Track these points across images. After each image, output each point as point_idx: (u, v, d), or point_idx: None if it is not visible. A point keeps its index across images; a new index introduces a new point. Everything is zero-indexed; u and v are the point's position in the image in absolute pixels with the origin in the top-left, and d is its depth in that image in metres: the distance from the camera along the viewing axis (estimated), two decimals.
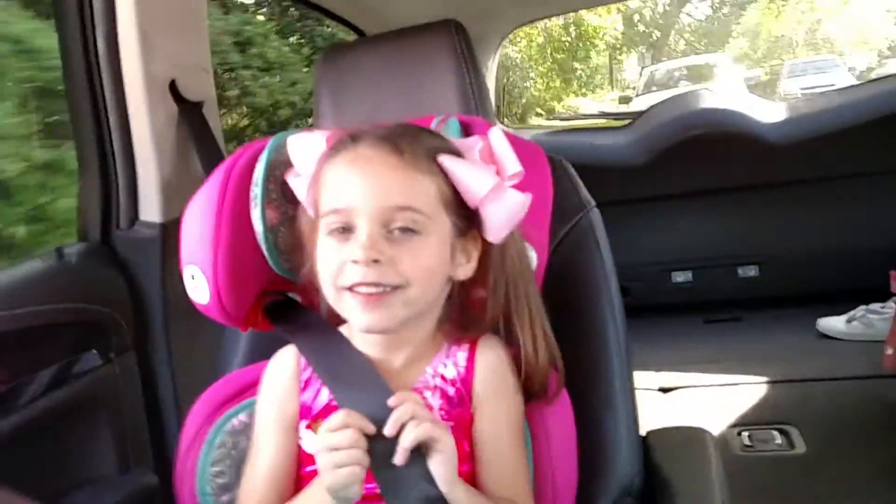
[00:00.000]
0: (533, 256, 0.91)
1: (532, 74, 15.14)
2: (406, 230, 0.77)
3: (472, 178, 0.80)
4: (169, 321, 1.39)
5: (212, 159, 1.37)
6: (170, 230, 1.38)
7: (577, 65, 16.40)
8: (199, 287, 0.92)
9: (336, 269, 0.78)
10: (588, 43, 15.96)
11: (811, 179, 2.71)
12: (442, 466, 0.75)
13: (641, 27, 17.16)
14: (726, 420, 1.94)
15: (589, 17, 15.57)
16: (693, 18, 18.55)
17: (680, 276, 2.86)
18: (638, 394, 1.01)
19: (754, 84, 15.48)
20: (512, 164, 0.83)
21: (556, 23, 15.18)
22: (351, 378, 0.83)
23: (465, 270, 0.84)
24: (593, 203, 1.06)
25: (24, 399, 1.15)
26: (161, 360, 1.40)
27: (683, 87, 11.32)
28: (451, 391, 0.84)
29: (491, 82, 2.97)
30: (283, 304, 0.95)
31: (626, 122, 3.02)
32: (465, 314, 0.86)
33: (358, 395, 0.81)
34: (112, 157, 1.39)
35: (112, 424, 1.32)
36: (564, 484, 0.88)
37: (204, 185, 0.94)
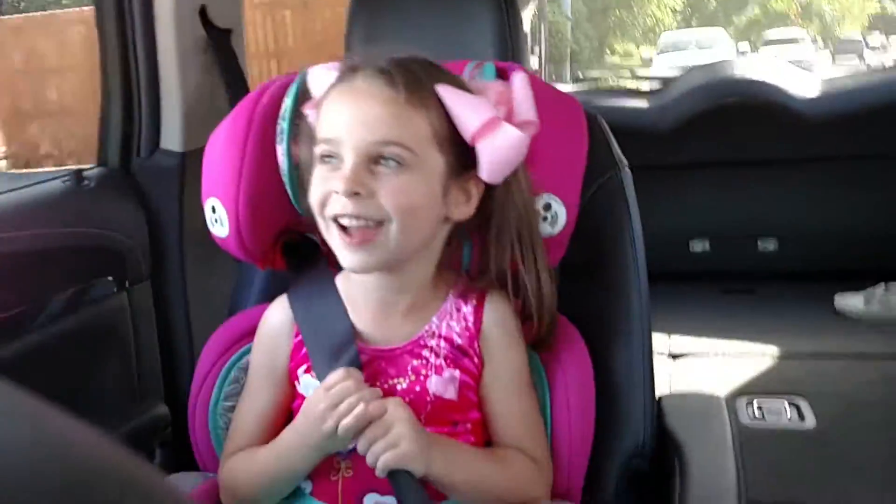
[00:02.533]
0: (561, 212, 0.88)
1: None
2: (391, 165, 0.75)
3: (465, 110, 0.77)
4: (185, 253, 1.39)
5: (237, 90, 1.34)
6: (190, 160, 1.36)
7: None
8: (219, 220, 0.91)
9: (322, 197, 0.77)
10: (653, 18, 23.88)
11: (838, 157, 2.66)
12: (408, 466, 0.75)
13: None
14: (736, 389, 1.92)
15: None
16: None
17: (698, 246, 2.83)
18: None
19: (742, 54, 18.76)
20: (526, 110, 0.81)
21: None
22: (325, 339, 0.83)
23: (463, 211, 0.81)
24: (626, 163, 1.04)
25: (37, 322, 1.15)
26: (176, 293, 1.40)
27: (691, 50, 14.88)
28: (457, 341, 0.83)
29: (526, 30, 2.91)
30: (302, 245, 0.94)
31: (658, 86, 2.96)
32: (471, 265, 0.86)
33: (327, 356, 0.82)
34: (137, 82, 1.36)
35: (124, 353, 1.32)
36: (581, 436, 0.88)
37: (229, 116, 0.92)
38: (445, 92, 0.78)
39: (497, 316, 0.84)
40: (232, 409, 0.93)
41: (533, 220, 0.84)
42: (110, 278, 1.29)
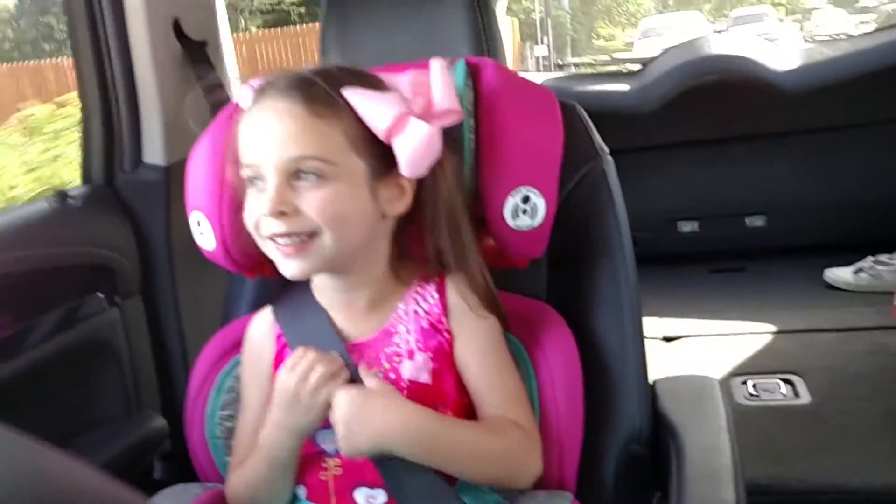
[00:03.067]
0: (540, 203, 0.89)
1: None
2: (311, 178, 0.77)
3: (373, 111, 0.78)
4: (174, 266, 1.39)
5: (217, 101, 1.34)
6: (174, 173, 1.36)
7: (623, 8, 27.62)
8: (204, 234, 0.91)
9: (255, 220, 0.80)
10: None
11: (821, 129, 2.67)
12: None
13: None
14: (731, 369, 1.94)
15: None
16: None
17: (686, 226, 2.83)
18: None
19: (718, 33, 19.41)
20: (443, 98, 0.82)
21: None
22: (308, 334, 0.86)
23: (398, 206, 0.83)
24: (607, 151, 1.04)
25: (30, 342, 1.15)
26: (167, 305, 1.40)
27: (670, 35, 15.12)
28: (424, 323, 0.85)
29: (504, 26, 2.91)
30: None
31: (638, 68, 2.96)
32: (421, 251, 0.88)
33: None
34: (115, 98, 1.36)
35: (120, 368, 1.32)
36: (570, 423, 0.89)
37: (208, 130, 0.93)
38: (352, 96, 0.79)
39: (459, 290, 0.86)
40: (228, 418, 0.94)
41: (460, 208, 0.85)
42: (101, 294, 1.29)
